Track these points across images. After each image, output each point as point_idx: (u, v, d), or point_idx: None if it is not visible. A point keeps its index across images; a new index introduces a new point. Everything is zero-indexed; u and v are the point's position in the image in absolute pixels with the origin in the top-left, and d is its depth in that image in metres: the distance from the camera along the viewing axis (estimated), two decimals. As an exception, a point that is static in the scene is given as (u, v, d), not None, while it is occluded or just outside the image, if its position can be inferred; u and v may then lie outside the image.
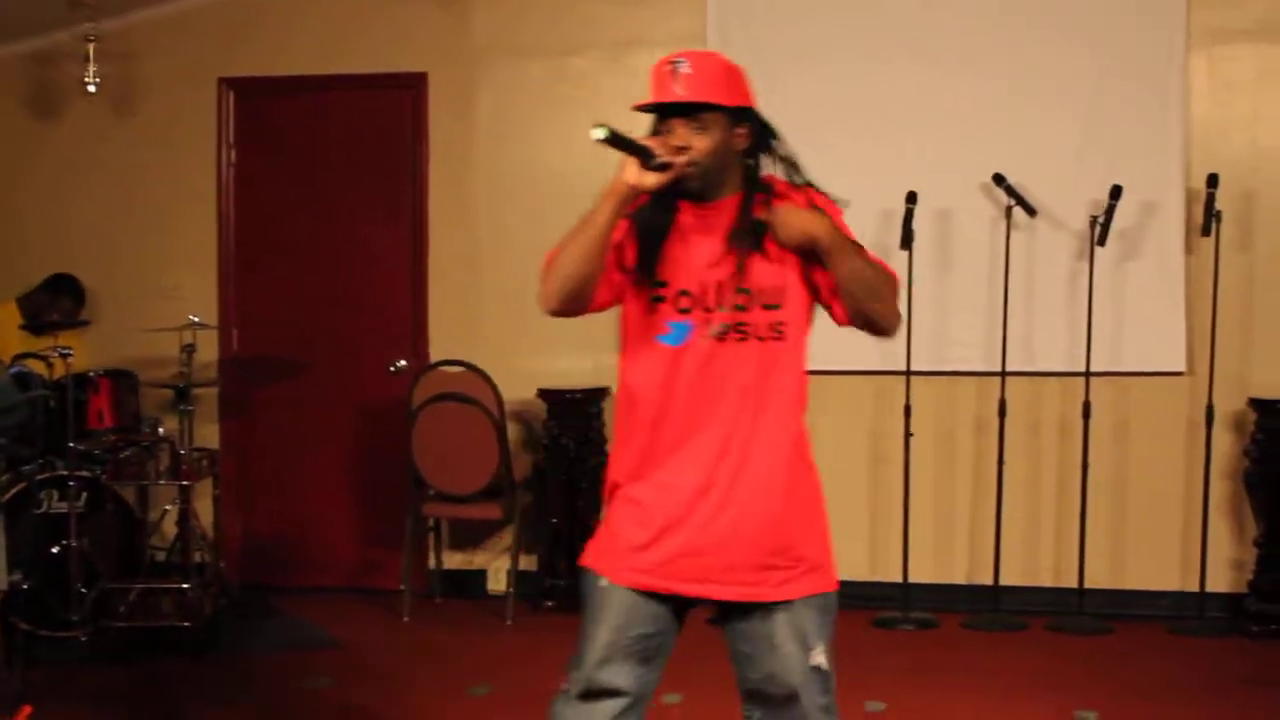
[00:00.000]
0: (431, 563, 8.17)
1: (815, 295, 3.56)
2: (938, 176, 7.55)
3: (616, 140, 3.33)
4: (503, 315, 8.12)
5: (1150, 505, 7.63)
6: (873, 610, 7.54)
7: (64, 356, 6.89)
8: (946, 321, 7.66)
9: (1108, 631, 7.31)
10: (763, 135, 3.57)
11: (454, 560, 8.26)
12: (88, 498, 7.02)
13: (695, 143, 3.43)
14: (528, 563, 7.99)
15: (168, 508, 7.69)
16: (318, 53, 8.25)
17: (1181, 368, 7.52)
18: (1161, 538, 7.62)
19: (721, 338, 3.48)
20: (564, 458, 7.74)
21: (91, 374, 7.28)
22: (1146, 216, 7.46)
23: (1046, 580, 7.68)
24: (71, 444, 6.93)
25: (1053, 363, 7.60)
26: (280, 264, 8.35)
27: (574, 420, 7.76)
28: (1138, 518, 7.64)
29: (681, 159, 3.40)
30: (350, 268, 8.28)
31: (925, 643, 7.20)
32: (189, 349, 7.18)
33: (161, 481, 7.20)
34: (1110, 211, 7.20)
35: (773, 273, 3.49)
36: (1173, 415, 7.58)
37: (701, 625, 7.56)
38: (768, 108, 7.83)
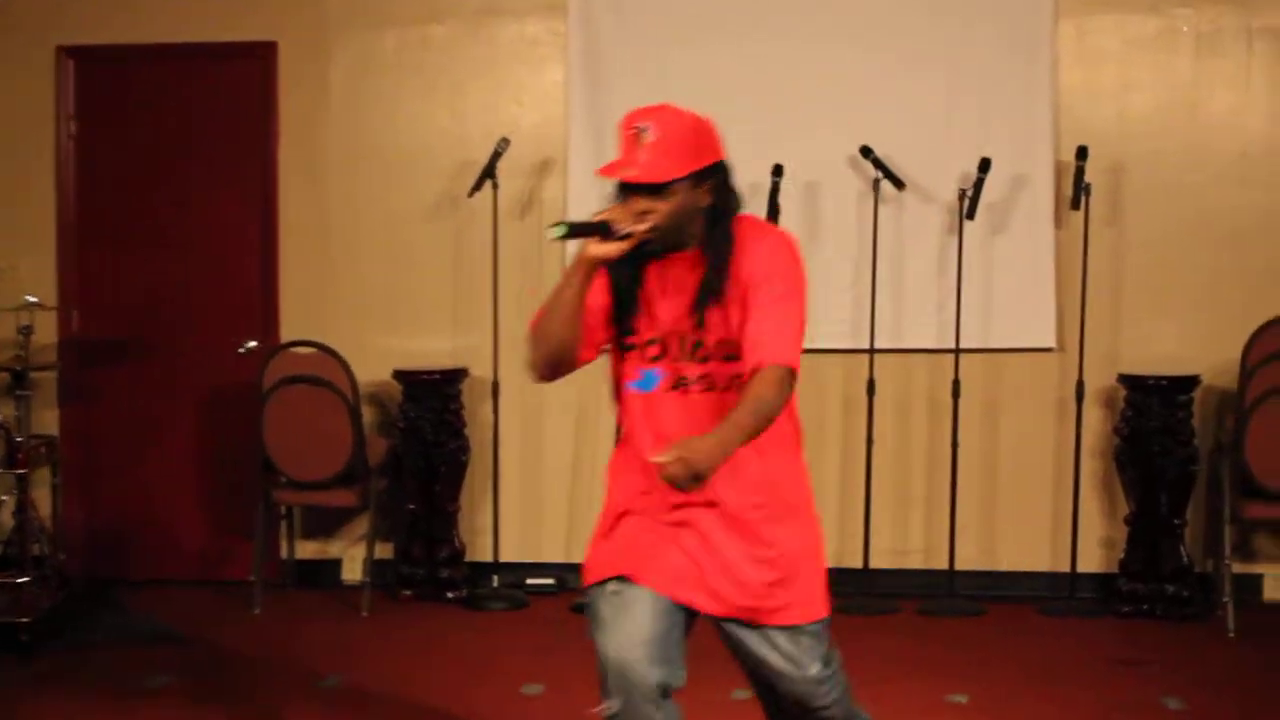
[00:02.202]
0: (284, 552, 8.14)
1: None
2: (804, 149, 7.61)
3: (575, 232, 3.60)
4: (356, 294, 8.11)
5: (1021, 484, 7.75)
6: (740, 595, 7.59)
7: (-110, 339, 6.83)
8: (813, 297, 7.51)
9: (979, 613, 7.43)
10: (726, 191, 3.74)
11: (307, 549, 8.23)
12: (-84, 487, 6.98)
13: (657, 208, 3.61)
14: (384, 551, 7.97)
15: (3, 498, 7.59)
16: (162, 20, 8.15)
17: (1052, 344, 7.64)
18: (1032, 518, 7.75)
19: (686, 388, 3.71)
20: (421, 442, 7.75)
21: (-80, 357, 7.23)
22: (1015, 189, 7.58)
23: (917, 563, 7.78)
24: (-102, 431, 6.88)
25: (922, 339, 7.71)
26: (123, 241, 8.26)
27: (431, 403, 7.76)
28: (1008, 497, 7.77)
29: (642, 227, 3.58)
30: (197, 245, 8.22)
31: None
32: (26, 331, 7.14)
33: (-3, 470, 7.10)
34: (979, 184, 7.30)
35: (734, 327, 3.66)
36: (1043, 392, 7.71)
37: (565, 614, 7.61)
38: (633, 84, 7.91)
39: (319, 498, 7.73)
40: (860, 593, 7.57)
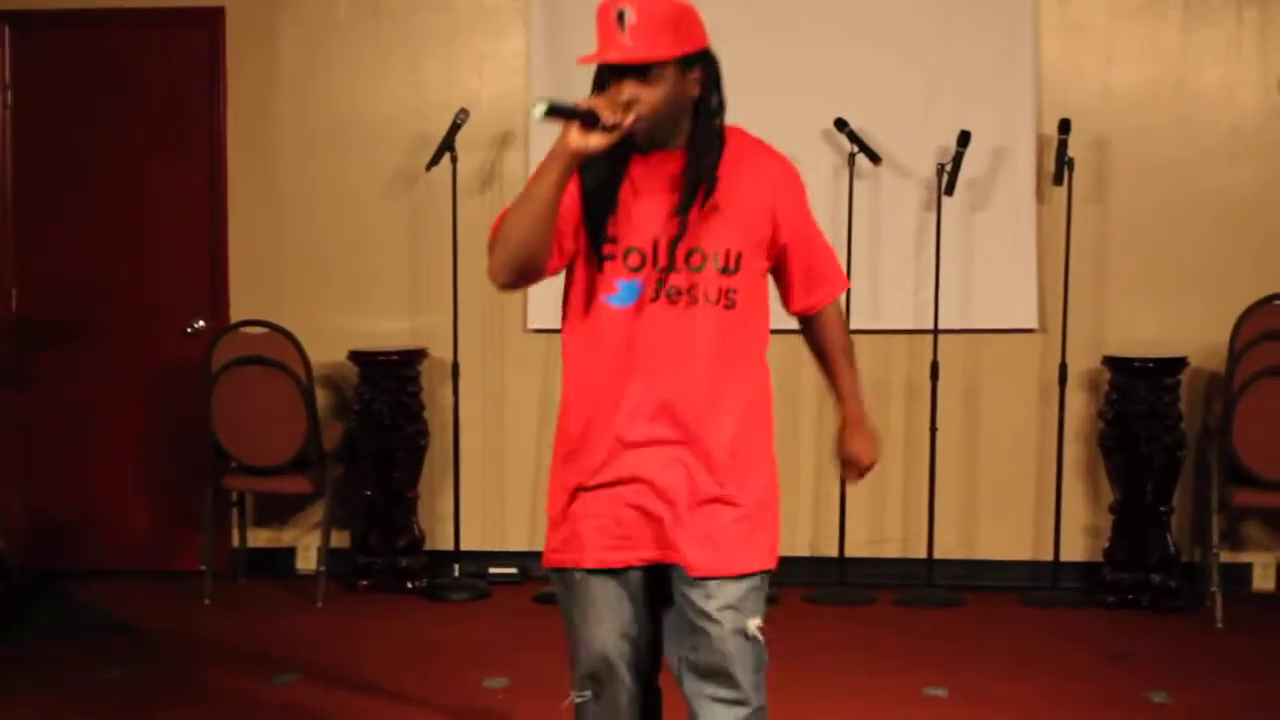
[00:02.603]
0: (235, 540, 8.04)
1: (775, 274, 3.70)
2: (775, 121, 7.25)
3: (558, 113, 3.32)
4: (309, 271, 7.99)
5: (1002, 470, 7.70)
6: (711, 585, 7.50)
7: None
8: None
9: (958, 604, 7.37)
10: (715, 79, 3.57)
11: (259, 537, 8.13)
12: None
13: (644, 96, 3.41)
14: (339, 539, 7.87)
15: (-61, 485, 7.53)
16: (104, -16, 8.02)
17: (1034, 324, 7.59)
18: (1014, 504, 7.70)
19: (673, 300, 3.49)
20: (378, 425, 7.65)
21: None
22: (996, 164, 7.51)
23: (894, 551, 7.73)
24: None
25: (899, 320, 7.62)
26: (65, 217, 8.13)
27: (388, 385, 7.66)
28: (989, 483, 7.71)
29: (629, 118, 3.37)
30: (142, 220, 8.08)
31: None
32: (-39, 311, 7.02)
33: (-68, 457, 7.01)
34: (958, 159, 7.22)
35: (731, 235, 3.50)
36: (1025, 375, 7.65)
37: (528, 605, 7.52)
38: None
39: (271, 484, 7.66)
40: (835, 582, 7.53)
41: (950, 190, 7.26)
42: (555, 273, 3.55)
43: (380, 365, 7.68)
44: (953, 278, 7.48)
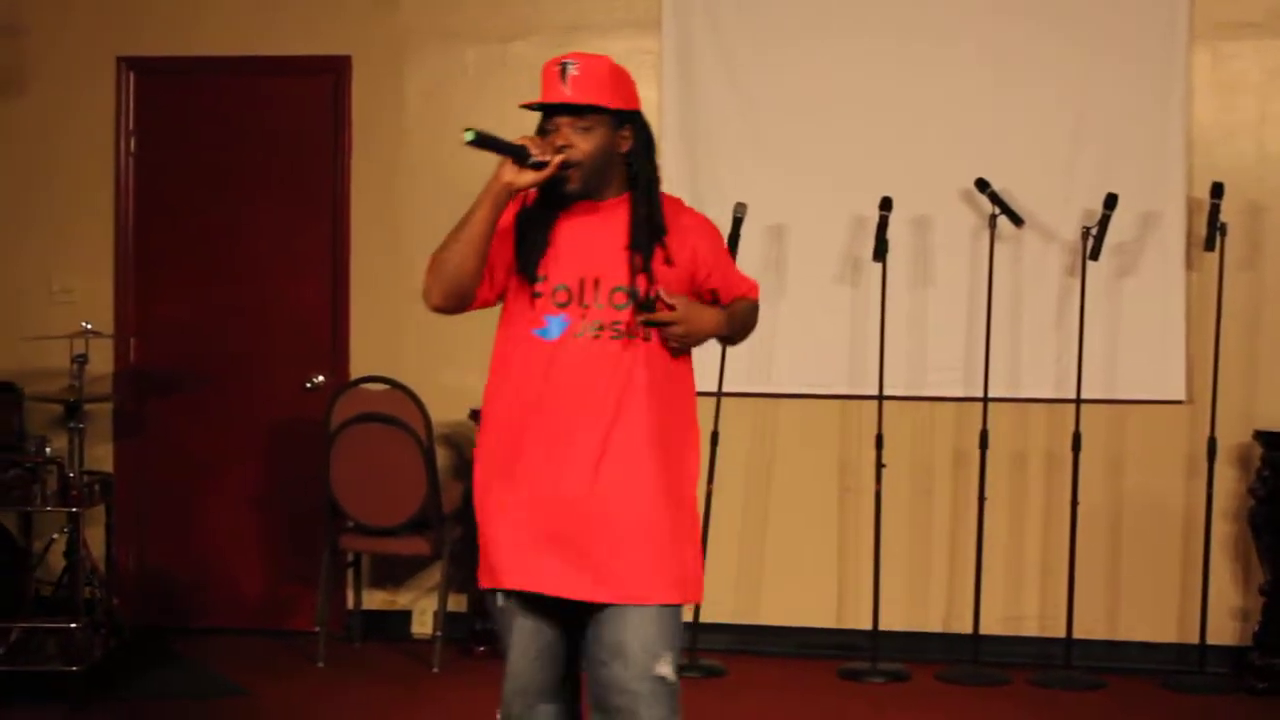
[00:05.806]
0: (350, 602, 8.11)
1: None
2: (915, 181, 7.57)
3: (487, 142, 3.81)
4: (431, 328, 7.84)
5: (1146, 548, 7.64)
6: (838, 660, 7.57)
7: (-60, 368, 6.86)
8: (923, 342, 7.71)
9: (1099, 687, 7.32)
10: (647, 141, 4.07)
11: (375, 600, 8.21)
12: (-36, 526, 6.99)
13: (578, 142, 3.94)
14: (457, 603, 7.93)
15: (55, 537, 7.58)
16: (229, 31, 8.18)
17: (1181, 396, 7.56)
18: (1158, 584, 7.63)
19: (597, 334, 3.93)
20: (499, 487, 7.68)
21: (-30, 387, 7.24)
22: (1144, 228, 7.51)
23: (1031, 629, 7.71)
24: (-53, 466, 6.87)
25: (1040, 389, 7.65)
26: (185, 266, 8.27)
27: (510, 445, 7.70)
28: (1132, 561, 7.66)
29: (558, 157, 3.89)
30: (263, 272, 8.22)
31: (896, 697, 7.19)
32: (80, 360, 7.12)
33: (48, 508, 7.05)
34: (1104, 222, 7.22)
35: (657, 278, 3.97)
36: (1171, 448, 7.61)
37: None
38: (732, 106, 7.89)
39: (388, 545, 7.66)
40: (969, 660, 7.52)
41: (1096, 255, 7.26)
42: (487, 304, 4.05)
43: (502, 424, 7.73)
44: (1097, 346, 7.49)
